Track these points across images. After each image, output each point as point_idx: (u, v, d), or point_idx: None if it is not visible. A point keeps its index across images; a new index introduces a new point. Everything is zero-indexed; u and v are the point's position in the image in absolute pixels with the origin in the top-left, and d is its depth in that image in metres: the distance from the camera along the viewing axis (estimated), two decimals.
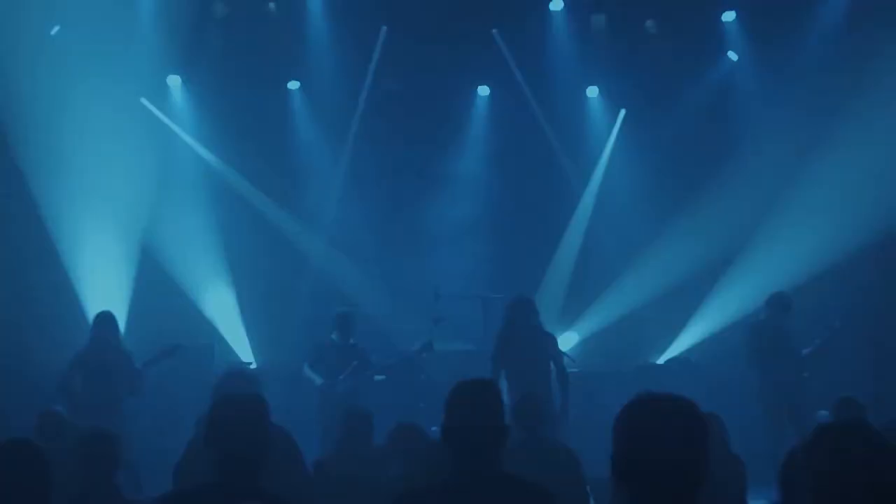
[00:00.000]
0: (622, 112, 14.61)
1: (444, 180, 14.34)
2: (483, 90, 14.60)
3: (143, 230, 13.12)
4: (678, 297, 13.49)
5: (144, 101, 13.64)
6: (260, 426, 3.81)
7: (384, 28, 13.81)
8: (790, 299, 10.92)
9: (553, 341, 10.03)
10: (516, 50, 14.14)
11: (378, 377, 10.91)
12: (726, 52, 14.08)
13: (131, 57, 12.58)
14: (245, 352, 13.53)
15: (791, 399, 10.54)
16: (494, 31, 14.02)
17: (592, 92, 14.65)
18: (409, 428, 6.62)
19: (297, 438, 6.04)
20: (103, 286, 12.68)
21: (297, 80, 14.18)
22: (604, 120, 14.69)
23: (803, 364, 10.82)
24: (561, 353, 10.00)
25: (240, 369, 6.11)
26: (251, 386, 6.13)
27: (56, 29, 12.64)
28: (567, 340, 13.41)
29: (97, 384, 9.89)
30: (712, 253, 13.35)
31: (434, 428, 10.29)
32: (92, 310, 11.34)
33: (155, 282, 13.10)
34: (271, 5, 13.62)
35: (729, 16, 13.91)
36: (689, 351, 13.52)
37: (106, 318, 10.13)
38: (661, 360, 13.50)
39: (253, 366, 12.96)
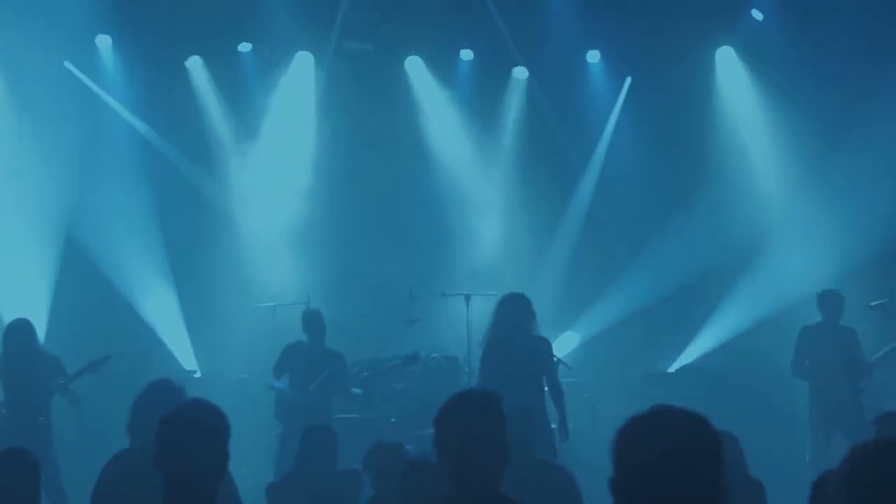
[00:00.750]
0: (628, 80, 14.60)
1: (420, 158, 14.30)
2: (466, 54, 14.55)
3: (68, 217, 13.03)
4: (692, 294, 13.52)
5: (69, 64, 13.55)
6: (221, 441, 3.79)
7: None
8: (843, 298, 10.87)
9: (547, 347, 9.92)
10: (505, 7, 14.07)
11: (355, 390, 10.89)
12: (750, 10, 14.06)
13: (54, 13, 12.47)
14: (187, 359, 13.48)
15: (846, 415, 10.51)
16: None
17: (594, 57, 14.62)
18: (387, 447, 6.66)
19: (241, 460, 6.03)
20: (21, 283, 12.54)
21: (248, 41, 14.12)
22: (607, 89, 14.67)
23: (864, 373, 10.78)
24: (554, 362, 9.99)
25: (165, 379, 6.17)
26: (179, 399, 6.10)
27: None
28: (565, 343, 13.44)
29: (16, 400, 9.86)
30: (733, 243, 13.39)
31: (408, 447, 10.33)
32: (8, 312, 11.26)
33: (82, 277, 13.00)
34: None
35: None
36: (705, 358, 13.55)
37: (19, 329, 10.00)
38: (671, 369, 13.53)
39: (197, 374, 12.92)
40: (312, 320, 10.92)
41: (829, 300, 10.88)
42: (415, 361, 10.99)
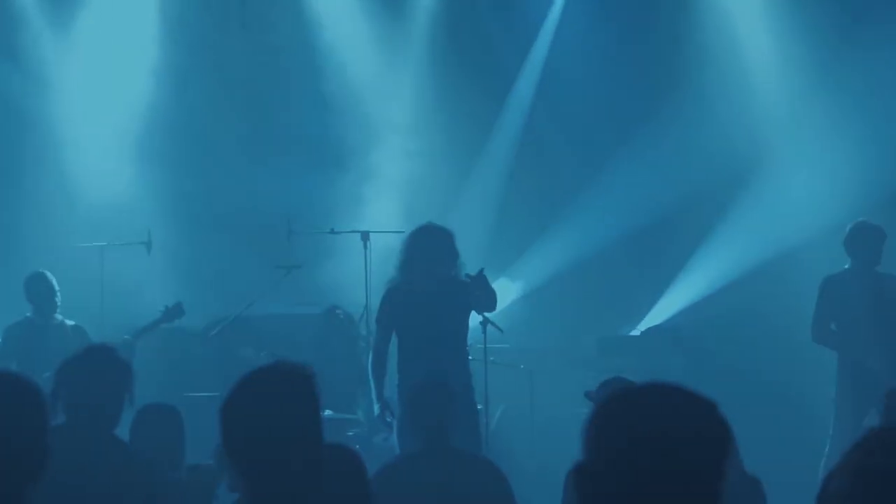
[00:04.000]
0: None
1: (304, 53, 14.15)
2: None
3: None
4: (665, 233, 13.59)
5: None
6: (28, 425, 3.79)
7: None
8: (883, 234, 10.70)
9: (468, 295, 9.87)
10: None
11: (125, 337, 10.87)
12: None
13: None
14: None
15: (881, 387, 10.06)
16: None
17: None
18: None
19: None
20: None
21: None
22: None
23: None
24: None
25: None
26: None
27: None
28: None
29: None
30: (720, 165, 13.35)
31: None
32: None
33: None
34: None
35: None
36: (681, 317, 13.60)
37: None
38: (635, 331, 13.53)
39: None
40: (35, 287, 11.05)
41: (862, 237, 10.67)
42: (178, 314, 10.96)
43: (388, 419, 9.50)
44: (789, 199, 13.18)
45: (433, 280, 9.68)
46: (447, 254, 9.73)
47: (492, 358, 10.72)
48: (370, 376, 9.71)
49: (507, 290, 13.68)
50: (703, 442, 2.80)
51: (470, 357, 10.13)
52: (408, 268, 9.75)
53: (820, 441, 10.62)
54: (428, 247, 9.72)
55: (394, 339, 9.78)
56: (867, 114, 12.98)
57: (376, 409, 9.63)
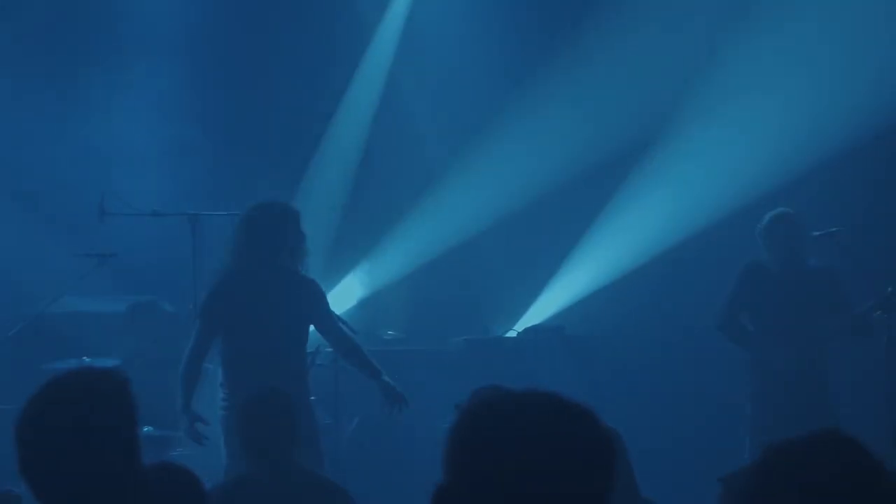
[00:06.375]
0: None
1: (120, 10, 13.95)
2: None
3: None
4: (543, 220, 13.63)
5: None
6: None
7: None
8: (800, 223, 10.82)
9: (317, 292, 9.85)
10: None
11: None
12: None
13: None
14: None
15: (802, 400, 10.55)
16: None
17: None
18: None
19: None
20: None
21: None
22: None
23: (863, 331, 10.84)
24: (331, 311, 9.91)
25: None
26: None
27: None
28: (342, 297, 13.35)
29: None
30: (604, 144, 13.38)
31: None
32: None
33: None
34: None
35: None
36: (560, 316, 13.64)
37: None
38: (511, 332, 13.55)
39: None
40: None
41: (783, 229, 10.81)
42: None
43: (201, 430, 9.29)
44: (691, 178, 13.20)
45: (274, 269, 9.56)
46: (292, 236, 9.60)
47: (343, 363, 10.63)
48: (180, 380, 9.47)
49: (359, 285, 13.88)
50: (582, 461, 2.89)
51: (318, 363, 10.21)
52: (245, 252, 9.60)
53: (728, 456, 10.64)
54: (270, 227, 9.57)
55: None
56: (783, 79, 13.09)
57: (183, 421, 9.38)
